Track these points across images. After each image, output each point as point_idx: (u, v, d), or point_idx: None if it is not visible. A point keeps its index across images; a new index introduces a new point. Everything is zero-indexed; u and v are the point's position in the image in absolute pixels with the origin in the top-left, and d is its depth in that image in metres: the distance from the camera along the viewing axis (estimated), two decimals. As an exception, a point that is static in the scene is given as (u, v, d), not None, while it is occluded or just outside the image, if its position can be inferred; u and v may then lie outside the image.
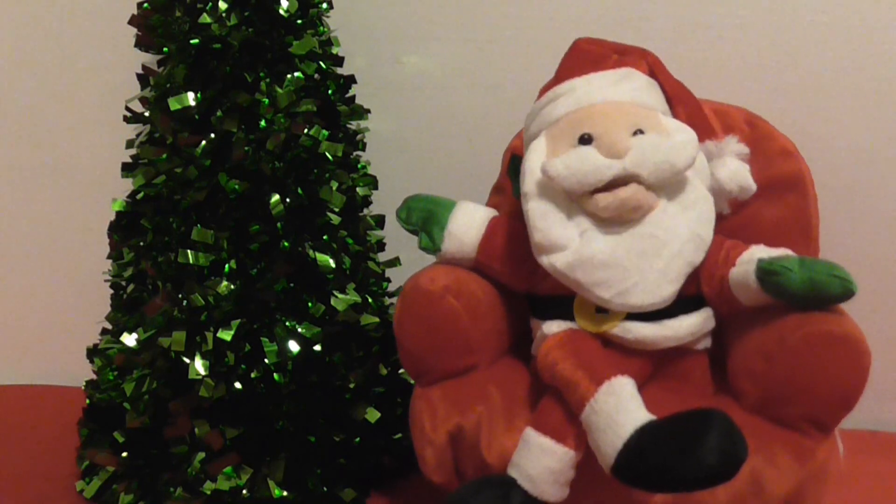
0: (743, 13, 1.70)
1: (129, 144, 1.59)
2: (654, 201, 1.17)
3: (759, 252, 1.18)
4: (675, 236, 1.15)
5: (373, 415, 1.54)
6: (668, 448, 0.99)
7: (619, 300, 1.15)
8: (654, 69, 1.30)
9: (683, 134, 1.21)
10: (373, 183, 1.69)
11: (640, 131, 1.19)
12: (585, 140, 1.19)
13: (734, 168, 1.24)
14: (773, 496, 1.13)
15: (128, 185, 1.57)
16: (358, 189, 1.64)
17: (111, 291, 1.62)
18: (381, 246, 1.74)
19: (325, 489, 1.52)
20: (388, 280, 1.73)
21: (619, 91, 1.24)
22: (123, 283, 1.59)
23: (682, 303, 1.20)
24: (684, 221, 1.17)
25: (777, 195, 1.38)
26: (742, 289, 1.17)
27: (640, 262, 1.14)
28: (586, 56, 1.30)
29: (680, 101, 1.29)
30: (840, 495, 1.29)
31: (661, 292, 1.15)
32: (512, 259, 1.30)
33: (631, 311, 1.17)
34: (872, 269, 1.78)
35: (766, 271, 1.12)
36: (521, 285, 1.32)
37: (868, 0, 1.64)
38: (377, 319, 1.56)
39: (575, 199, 1.18)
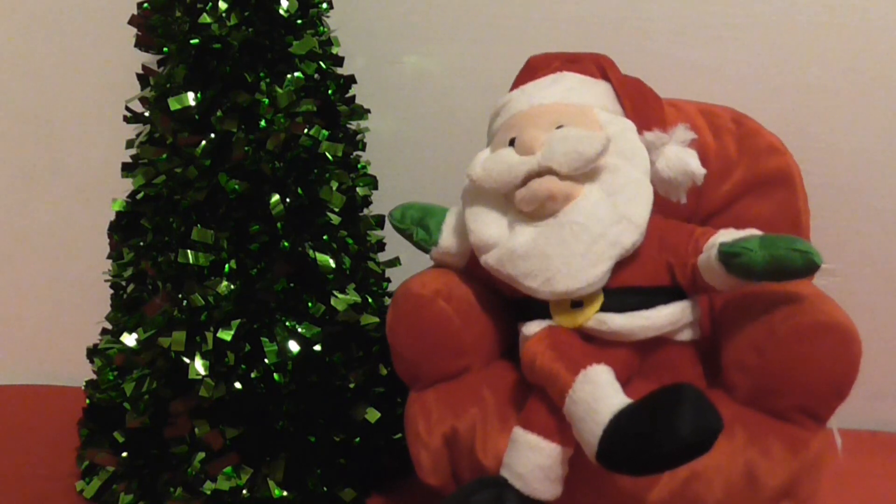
0: (742, 14, 1.70)
1: (129, 144, 1.59)
2: (573, 190, 1.19)
3: (723, 236, 1.20)
4: (597, 221, 1.17)
5: (373, 415, 1.54)
6: (643, 428, 1.00)
7: (546, 288, 1.18)
8: (606, 70, 1.35)
9: (614, 126, 1.25)
10: (373, 183, 1.69)
11: (562, 127, 1.22)
12: (512, 144, 1.25)
13: (671, 156, 1.24)
14: (767, 487, 1.13)
15: (128, 185, 1.57)
16: (358, 189, 1.64)
17: (111, 291, 1.62)
18: (381, 246, 1.74)
19: (325, 489, 1.52)
20: (388, 280, 1.73)
21: (547, 94, 1.30)
22: (123, 283, 1.59)
23: (658, 293, 1.22)
24: (608, 206, 1.18)
25: (765, 191, 1.40)
26: (711, 274, 1.18)
27: (560, 250, 1.17)
28: (531, 69, 1.38)
29: (626, 96, 1.33)
30: (840, 495, 1.29)
31: (586, 276, 1.16)
32: None
33: (561, 298, 1.19)
34: (872, 269, 1.78)
35: (727, 254, 1.13)
36: (507, 289, 1.33)
37: (867, 0, 1.64)
38: (377, 319, 1.56)
39: (508, 199, 1.24)
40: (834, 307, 1.16)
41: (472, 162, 1.29)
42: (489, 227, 1.25)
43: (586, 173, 1.19)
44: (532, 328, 1.25)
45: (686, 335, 1.27)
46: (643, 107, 1.33)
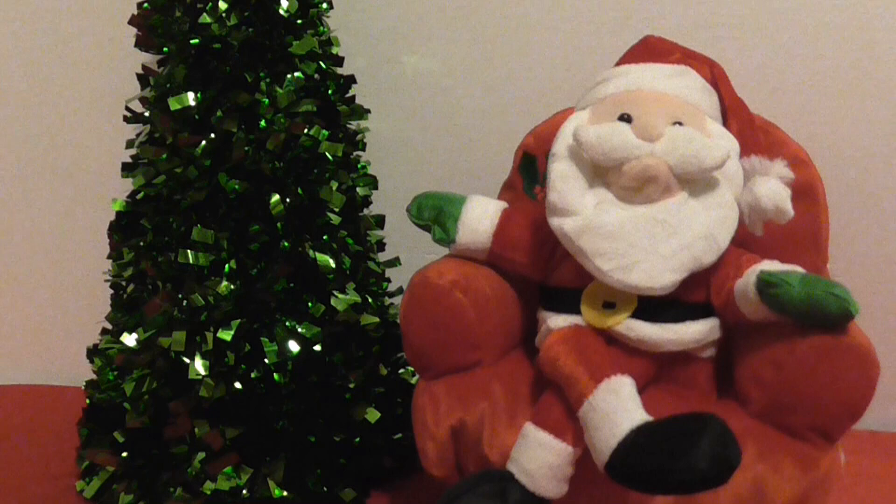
0: (742, 14, 1.70)
1: (129, 144, 1.59)
2: (674, 187, 1.17)
3: (765, 265, 1.17)
4: (688, 229, 1.16)
5: (373, 415, 1.54)
6: (662, 450, 0.99)
7: (617, 275, 1.15)
8: (717, 79, 1.32)
9: (724, 140, 1.22)
10: (373, 183, 1.69)
11: (679, 124, 1.20)
12: (624, 119, 1.21)
13: (774, 188, 1.21)
14: (775, 504, 1.12)
15: (128, 185, 1.57)
16: (358, 189, 1.64)
17: (111, 291, 1.62)
18: (381, 246, 1.74)
19: (325, 489, 1.52)
20: (388, 280, 1.73)
21: (670, 84, 1.26)
22: (123, 283, 1.59)
23: (690, 309, 1.20)
24: (702, 219, 1.17)
25: None
26: (744, 300, 1.16)
27: (646, 243, 1.15)
28: (651, 49, 1.34)
29: (734, 115, 1.30)
30: (840, 495, 1.29)
31: (662, 279, 1.14)
32: (527, 247, 1.31)
33: (628, 290, 1.16)
34: (872, 268, 1.78)
35: (765, 283, 1.11)
36: (536, 274, 1.32)
37: (868, 0, 1.64)
38: (377, 319, 1.56)
39: (600, 172, 1.20)
40: (854, 328, 1.13)
41: (571, 125, 1.24)
42: (574, 192, 1.20)
43: (690, 180, 1.18)
44: (557, 322, 1.24)
45: (708, 353, 1.25)
46: (749, 131, 1.29)
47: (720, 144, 1.19)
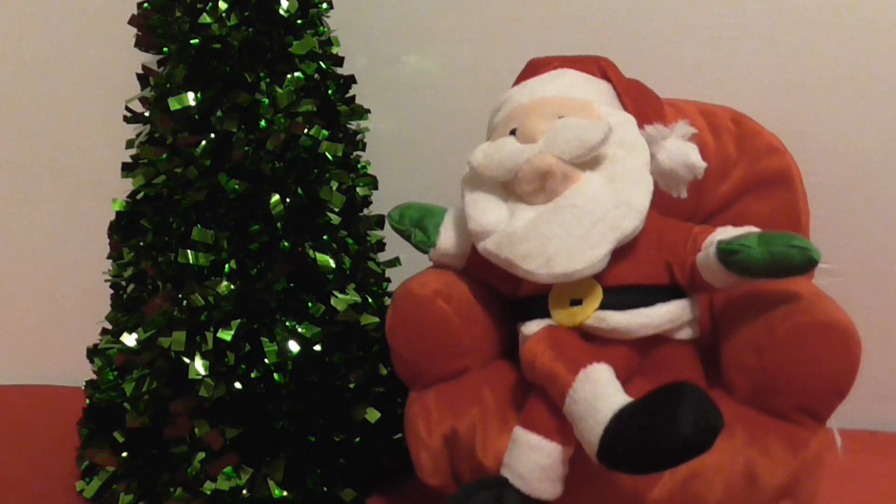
0: (742, 14, 1.70)
1: (129, 144, 1.59)
2: (573, 174, 1.20)
3: (721, 234, 1.20)
4: (598, 204, 1.18)
5: (373, 415, 1.54)
6: (644, 426, 1.00)
7: (544, 270, 1.17)
8: (607, 71, 1.37)
9: (615, 118, 1.26)
10: (373, 183, 1.69)
11: (563, 117, 1.23)
12: (513, 133, 1.26)
13: (674, 149, 1.25)
14: (767, 487, 1.13)
15: (128, 185, 1.57)
16: (358, 189, 1.64)
17: (111, 291, 1.62)
18: (381, 246, 1.74)
19: (325, 489, 1.52)
20: (388, 280, 1.73)
21: (548, 89, 1.32)
22: (123, 283, 1.59)
23: (655, 292, 1.22)
24: (609, 191, 1.19)
25: (765, 191, 1.41)
26: (709, 272, 1.19)
27: (560, 231, 1.17)
28: (532, 68, 1.41)
29: (626, 94, 1.35)
30: (840, 495, 1.29)
31: (585, 258, 1.16)
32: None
33: (559, 280, 1.19)
34: (871, 268, 1.78)
35: (726, 252, 1.14)
36: (507, 289, 1.34)
37: (868, 0, 1.64)
38: (377, 319, 1.56)
39: (509, 188, 1.24)
40: (833, 306, 1.16)
41: (473, 152, 1.29)
42: (488, 213, 1.24)
43: (587, 161, 1.20)
44: (531, 328, 1.25)
45: (685, 334, 1.27)
46: (644, 105, 1.34)
47: (604, 123, 1.22)
